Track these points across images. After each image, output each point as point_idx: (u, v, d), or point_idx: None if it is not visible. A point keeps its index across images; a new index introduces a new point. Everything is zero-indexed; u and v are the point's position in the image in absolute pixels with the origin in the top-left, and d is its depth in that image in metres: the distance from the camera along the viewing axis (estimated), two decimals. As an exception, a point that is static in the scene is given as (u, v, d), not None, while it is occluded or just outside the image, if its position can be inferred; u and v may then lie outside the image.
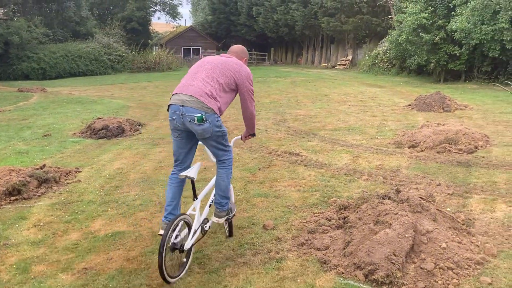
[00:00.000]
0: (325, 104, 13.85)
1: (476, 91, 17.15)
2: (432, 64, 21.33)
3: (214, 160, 3.88)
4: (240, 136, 4.25)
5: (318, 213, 4.75)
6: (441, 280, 3.33)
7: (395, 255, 3.42)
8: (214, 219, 3.89)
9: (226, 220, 4.00)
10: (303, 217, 4.70)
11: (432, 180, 5.87)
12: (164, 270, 3.32)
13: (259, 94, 17.10)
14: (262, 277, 3.50)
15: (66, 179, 6.24)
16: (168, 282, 3.42)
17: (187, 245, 3.55)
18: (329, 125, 10.16)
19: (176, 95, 3.60)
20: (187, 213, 3.74)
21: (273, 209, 4.95)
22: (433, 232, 3.76)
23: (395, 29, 24.08)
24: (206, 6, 59.14)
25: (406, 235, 3.58)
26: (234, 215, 4.12)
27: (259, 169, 6.60)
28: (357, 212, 4.22)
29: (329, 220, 4.43)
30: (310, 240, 4.09)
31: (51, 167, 6.49)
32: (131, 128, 9.88)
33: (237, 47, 4.06)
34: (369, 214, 4.01)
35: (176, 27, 56.38)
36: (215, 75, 3.63)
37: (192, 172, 3.62)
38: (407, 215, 3.81)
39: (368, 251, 3.50)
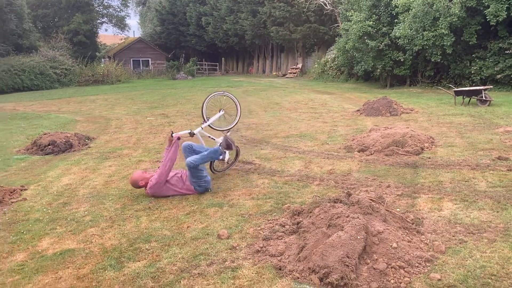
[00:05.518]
0: (277, 112, 13.98)
1: (421, 95, 17.81)
2: (378, 70, 22.01)
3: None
4: None
5: (272, 219, 4.76)
6: (393, 279, 3.41)
7: (348, 257, 3.46)
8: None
9: None
10: (257, 224, 4.69)
11: (381, 182, 6.02)
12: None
13: (211, 104, 17.01)
14: (218, 287, 3.46)
15: (11, 198, 5.95)
16: None
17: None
18: (281, 132, 10.26)
19: None
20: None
21: (228, 218, 4.92)
22: (384, 233, 3.84)
23: (342, 37, 24.71)
24: (154, 17, 58.70)
25: (358, 237, 3.65)
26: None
27: (213, 179, 6.56)
28: (310, 216, 4.25)
29: (283, 226, 4.45)
30: (265, 247, 4.09)
31: (-7, 186, 6.19)
32: (79, 143, 9.59)
33: None
34: (322, 218, 4.05)
35: (125, 38, 55.45)
36: None
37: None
38: (358, 217, 3.88)
39: (322, 254, 3.53)
